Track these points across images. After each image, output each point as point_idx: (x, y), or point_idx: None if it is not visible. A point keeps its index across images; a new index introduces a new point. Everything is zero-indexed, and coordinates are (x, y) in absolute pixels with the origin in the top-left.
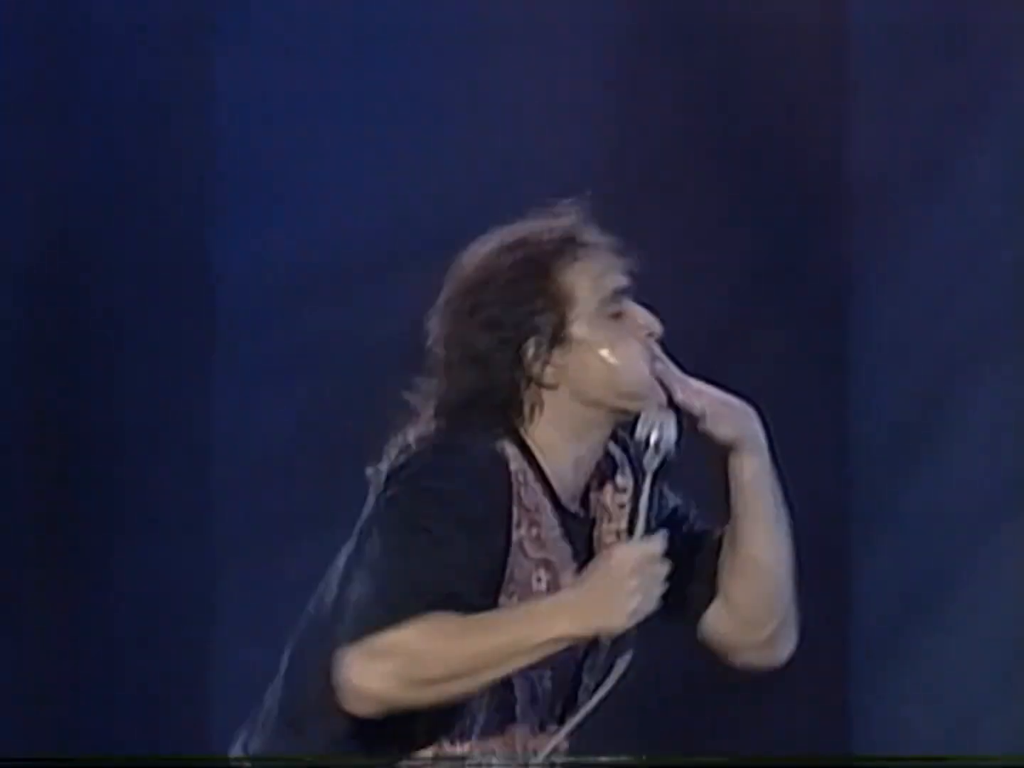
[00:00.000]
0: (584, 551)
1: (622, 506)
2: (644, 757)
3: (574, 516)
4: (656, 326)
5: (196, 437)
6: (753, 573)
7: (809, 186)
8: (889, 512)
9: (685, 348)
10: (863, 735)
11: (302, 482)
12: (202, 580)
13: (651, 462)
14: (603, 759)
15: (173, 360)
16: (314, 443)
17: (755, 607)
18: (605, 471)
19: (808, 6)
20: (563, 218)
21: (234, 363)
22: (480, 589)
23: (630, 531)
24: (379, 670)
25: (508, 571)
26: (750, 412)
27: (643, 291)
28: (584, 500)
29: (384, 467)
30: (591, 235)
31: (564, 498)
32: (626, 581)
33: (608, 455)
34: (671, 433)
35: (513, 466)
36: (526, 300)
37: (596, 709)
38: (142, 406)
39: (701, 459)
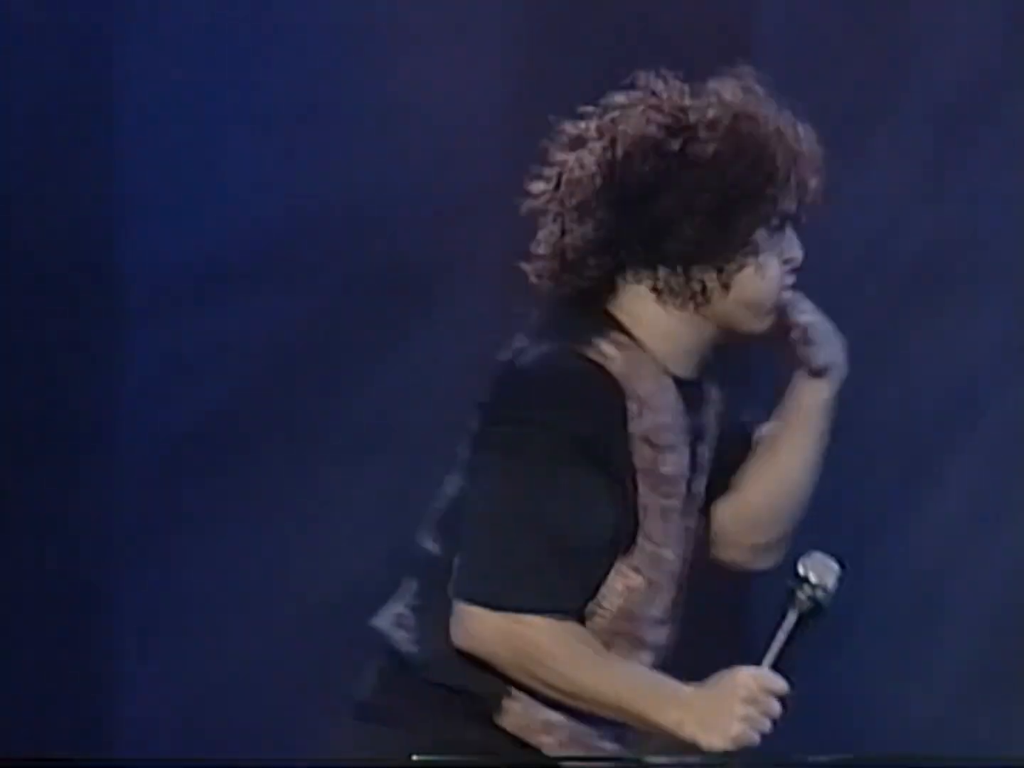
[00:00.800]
0: (698, 423)
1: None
2: (643, 757)
3: (688, 383)
4: (799, 257)
5: (100, 432)
6: (779, 483)
7: None
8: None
9: None
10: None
11: (204, 478)
12: (103, 575)
13: (803, 602)
14: (603, 759)
15: (78, 355)
16: (218, 440)
17: (768, 513)
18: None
19: (715, 5)
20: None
21: (138, 359)
22: (606, 534)
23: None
24: (498, 646)
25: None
26: (841, 345)
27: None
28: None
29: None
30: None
31: (675, 369)
32: (739, 707)
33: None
34: (830, 582)
35: (615, 367)
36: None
37: None
38: (46, 401)
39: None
